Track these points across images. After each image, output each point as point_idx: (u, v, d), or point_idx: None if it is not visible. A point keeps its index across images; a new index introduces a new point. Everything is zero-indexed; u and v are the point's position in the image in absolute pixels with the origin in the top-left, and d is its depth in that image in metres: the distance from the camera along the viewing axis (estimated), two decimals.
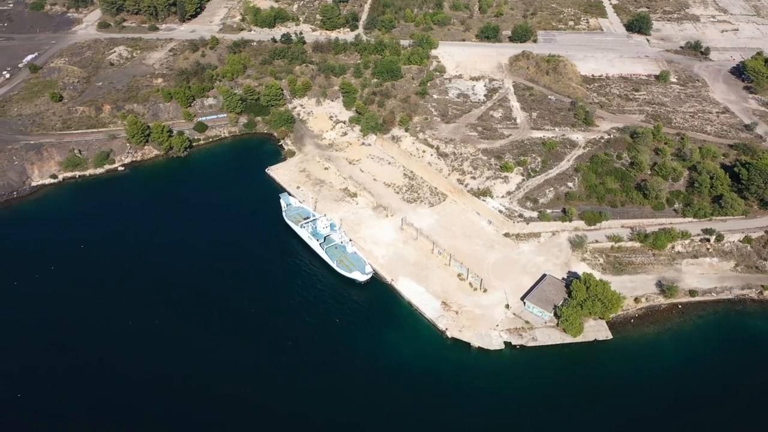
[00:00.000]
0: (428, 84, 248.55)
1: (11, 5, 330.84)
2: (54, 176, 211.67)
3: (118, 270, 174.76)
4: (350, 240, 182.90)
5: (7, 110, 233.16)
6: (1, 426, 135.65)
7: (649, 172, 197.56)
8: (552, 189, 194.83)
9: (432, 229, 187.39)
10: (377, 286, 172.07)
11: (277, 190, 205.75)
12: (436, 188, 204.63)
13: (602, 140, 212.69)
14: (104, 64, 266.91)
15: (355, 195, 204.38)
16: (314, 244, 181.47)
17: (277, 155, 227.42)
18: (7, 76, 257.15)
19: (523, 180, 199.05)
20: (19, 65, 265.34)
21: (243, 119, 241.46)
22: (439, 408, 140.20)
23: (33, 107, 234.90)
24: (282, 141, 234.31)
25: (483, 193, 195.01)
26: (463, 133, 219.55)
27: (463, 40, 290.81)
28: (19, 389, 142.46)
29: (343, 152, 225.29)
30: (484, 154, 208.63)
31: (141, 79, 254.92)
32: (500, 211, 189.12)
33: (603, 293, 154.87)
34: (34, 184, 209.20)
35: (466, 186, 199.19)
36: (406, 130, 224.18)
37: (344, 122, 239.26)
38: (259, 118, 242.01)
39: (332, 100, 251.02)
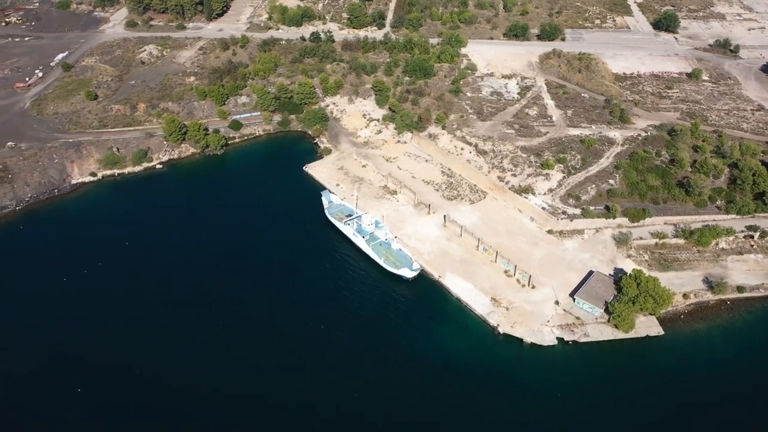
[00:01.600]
0: (461, 82, 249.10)
1: (37, 4, 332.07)
2: (93, 174, 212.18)
3: (166, 267, 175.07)
4: (395, 237, 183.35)
5: (44, 108, 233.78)
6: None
7: (690, 169, 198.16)
8: (593, 186, 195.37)
9: (475, 226, 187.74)
10: (424, 282, 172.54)
11: (315, 187, 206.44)
12: (475, 186, 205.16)
13: (640, 137, 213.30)
14: (135, 62, 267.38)
15: (395, 192, 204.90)
16: (359, 241, 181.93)
17: (313, 153, 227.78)
18: (40, 75, 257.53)
19: (564, 177, 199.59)
20: (51, 64, 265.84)
21: (277, 117, 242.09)
22: (495, 402, 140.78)
23: (69, 105, 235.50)
24: (317, 139, 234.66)
25: (525, 191, 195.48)
26: (500, 131, 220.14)
27: (491, 38, 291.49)
28: (78, 384, 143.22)
29: (379, 150, 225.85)
30: (523, 152, 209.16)
31: (173, 77, 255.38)
32: (543, 209, 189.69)
33: (654, 289, 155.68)
34: (74, 182, 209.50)
35: (507, 183, 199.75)
36: (443, 127, 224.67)
37: (378, 120, 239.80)
38: (292, 116, 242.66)
39: (364, 99, 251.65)
